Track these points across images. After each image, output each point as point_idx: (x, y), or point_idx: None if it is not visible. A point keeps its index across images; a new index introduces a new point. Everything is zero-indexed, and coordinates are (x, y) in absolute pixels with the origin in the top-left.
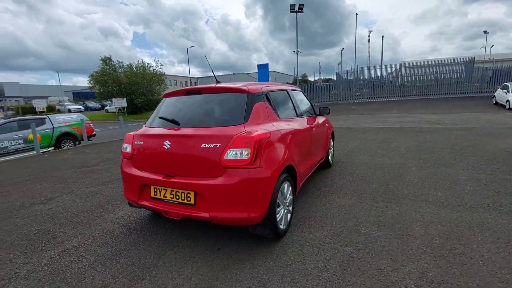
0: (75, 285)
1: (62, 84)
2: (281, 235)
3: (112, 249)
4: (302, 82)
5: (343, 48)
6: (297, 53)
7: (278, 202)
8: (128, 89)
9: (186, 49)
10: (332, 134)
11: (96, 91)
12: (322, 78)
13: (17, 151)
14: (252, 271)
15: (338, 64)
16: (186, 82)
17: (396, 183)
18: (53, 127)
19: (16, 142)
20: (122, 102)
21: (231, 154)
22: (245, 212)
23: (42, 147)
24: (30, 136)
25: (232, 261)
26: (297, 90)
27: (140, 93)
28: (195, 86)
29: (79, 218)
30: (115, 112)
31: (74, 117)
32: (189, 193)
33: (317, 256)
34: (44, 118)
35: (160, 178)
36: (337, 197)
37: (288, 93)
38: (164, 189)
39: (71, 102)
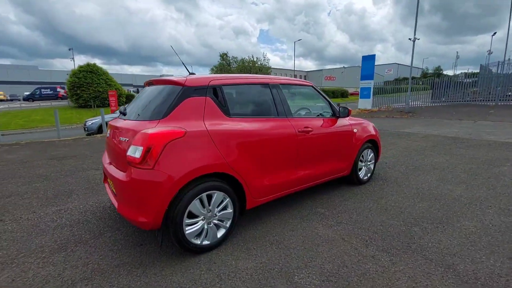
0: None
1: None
2: (194, 251)
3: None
4: (431, 76)
5: (494, 33)
6: (413, 41)
7: (192, 213)
8: None
9: (304, 42)
10: (373, 142)
11: None
12: (466, 71)
13: None
14: (140, 278)
15: (488, 53)
16: (290, 75)
17: (434, 229)
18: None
19: None
20: None
21: (130, 151)
22: (136, 214)
23: None
24: None
25: (138, 259)
26: (297, 85)
27: None
28: (155, 78)
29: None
30: None
31: None
32: (112, 183)
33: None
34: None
35: (106, 165)
36: (320, 226)
37: (266, 87)
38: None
39: None
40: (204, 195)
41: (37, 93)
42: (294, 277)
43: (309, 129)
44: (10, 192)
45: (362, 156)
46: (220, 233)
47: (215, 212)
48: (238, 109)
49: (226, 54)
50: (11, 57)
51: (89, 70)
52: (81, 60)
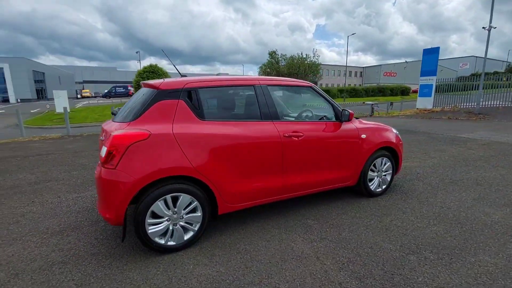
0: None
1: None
2: (159, 250)
3: None
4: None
5: None
6: (489, 30)
7: (156, 213)
8: None
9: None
10: (391, 150)
11: None
12: None
13: None
14: (104, 269)
15: None
16: (341, 71)
17: (436, 261)
18: None
19: None
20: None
21: (101, 151)
22: (103, 209)
23: None
24: None
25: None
26: (291, 86)
27: None
28: (144, 81)
29: None
30: None
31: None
32: None
33: None
34: None
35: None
36: (300, 240)
37: (251, 89)
38: None
39: None
40: (168, 196)
41: (112, 91)
42: None
43: (299, 134)
44: (51, 178)
45: (374, 165)
46: (188, 235)
47: (182, 214)
48: (215, 112)
49: (274, 52)
50: (98, 60)
51: (151, 71)
52: (151, 61)
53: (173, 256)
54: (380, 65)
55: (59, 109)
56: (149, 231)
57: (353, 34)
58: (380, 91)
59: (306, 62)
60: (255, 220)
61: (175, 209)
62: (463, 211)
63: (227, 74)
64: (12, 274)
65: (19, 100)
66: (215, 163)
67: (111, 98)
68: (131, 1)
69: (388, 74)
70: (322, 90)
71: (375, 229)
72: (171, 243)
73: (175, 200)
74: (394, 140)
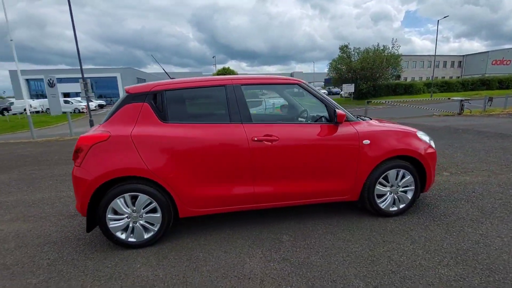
0: None
1: (324, 71)
2: (121, 245)
3: None
4: None
5: None
6: None
7: (116, 210)
8: (361, 74)
9: (469, 18)
10: (413, 161)
11: (335, 76)
12: None
13: None
14: (72, 254)
15: None
16: (430, 62)
17: None
18: (265, 108)
19: None
20: (350, 88)
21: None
22: (76, 202)
23: None
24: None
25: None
26: (273, 84)
27: (368, 78)
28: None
29: None
30: (349, 97)
31: (282, 101)
32: None
33: None
34: (261, 100)
35: None
36: (258, 256)
37: (221, 90)
38: None
39: (319, 87)
40: (127, 195)
41: None
42: None
43: (273, 137)
44: None
45: (386, 179)
46: (148, 234)
47: (141, 213)
48: (180, 114)
49: (346, 46)
50: (189, 66)
51: (224, 73)
52: (232, 64)
53: (131, 253)
54: (487, 51)
55: None
56: (110, 226)
57: (445, 17)
58: (484, 84)
59: (383, 54)
60: (230, 226)
61: (134, 208)
62: (505, 254)
63: (301, 73)
64: (18, 246)
65: None
66: (173, 166)
67: None
68: (216, 10)
69: (498, 63)
70: (404, 84)
71: (357, 259)
72: (131, 239)
73: (135, 199)
74: (418, 148)
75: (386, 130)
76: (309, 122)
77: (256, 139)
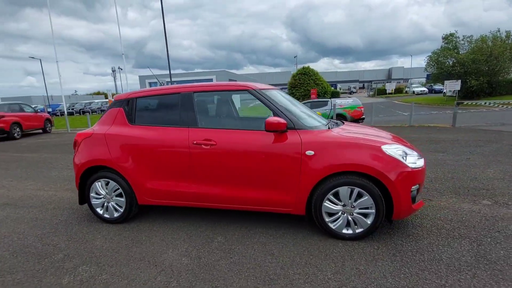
0: None
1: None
2: (102, 220)
3: None
4: None
5: None
6: None
7: (95, 190)
8: (472, 68)
9: None
10: (373, 179)
11: (435, 71)
12: None
13: None
14: (54, 232)
15: None
16: None
17: None
18: (331, 109)
19: None
20: (455, 85)
21: None
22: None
23: None
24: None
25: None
26: (223, 90)
27: (482, 73)
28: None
29: None
30: (453, 96)
31: (350, 101)
32: None
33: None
34: (328, 101)
35: None
36: (177, 250)
37: (177, 97)
38: None
39: (418, 84)
40: (102, 180)
41: None
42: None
43: (212, 142)
44: None
45: (337, 196)
46: (117, 214)
47: (112, 196)
48: (144, 117)
49: (452, 35)
50: (281, 66)
51: (303, 73)
52: (324, 62)
53: (103, 226)
54: None
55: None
56: (92, 202)
57: None
58: None
59: (506, 42)
60: (184, 220)
61: (107, 191)
62: None
63: (402, 68)
64: (36, 208)
65: None
66: (132, 161)
67: None
68: (311, 8)
69: None
70: None
71: (257, 273)
72: (106, 215)
73: (107, 184)
74: (376, 165)
75: (339, 141)
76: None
77: (195, 142)
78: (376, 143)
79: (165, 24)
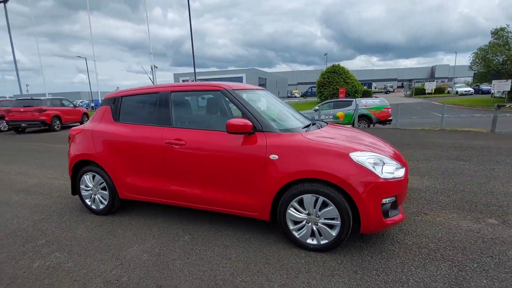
0: None
1: None
2: (90, 211)
3: None
4: None
5: None
6: None
7: (85, 183)
8: None
9: None
10: (338, 189)
11: (482, 70)
12: None
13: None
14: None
15: None
16: None
17: None
18: (355, 109)
19: (327, 116)
20: (504, 85)
21: None
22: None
23: (343, 124)
24: (337, 114)
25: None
26: (195, 91)
27: None
28: None
29: None
30: (503, 97)
31: (376, 102)
32: None
33: None
34: (352, 101)
35: None
36: (139, 244)
37: (156, 96)
38: None
39: (463, 84)
40: (89, 173)
41: (309, 91)
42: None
43: (182, 142)
44: None
45: (302, 204)
46: (102, 206)
47: (98, 189)
48: (127, 116)
49: (503, 29)
50: (314, 63)
51: (333, 71)
52: (361, 59)
53: (88, 217)
54: None
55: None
56: (82, 193)
57: None
58: None
59: None
60: (165, 216)
61: (93, 183)
62: None
63: (447, 66)
64: (44, 195)
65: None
66: (113, 156)
67: (306, 98)
68: (349, 3)
69: None
70: None
71: (198, 276)
72: (93, 207)
73: (94, 177)
74: (340, 173)
75: (304, 145)
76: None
77: (167, 141)
78: (344, 150)
79: (201, 24)
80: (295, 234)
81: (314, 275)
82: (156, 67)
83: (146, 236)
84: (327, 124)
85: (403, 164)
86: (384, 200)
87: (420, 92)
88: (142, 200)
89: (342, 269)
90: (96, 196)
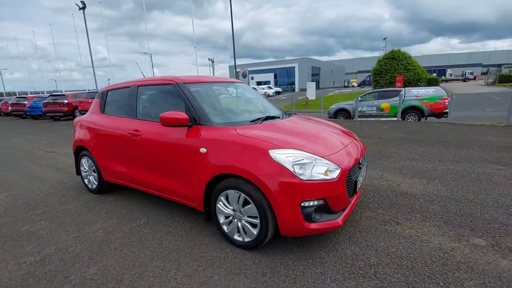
0: None
1: None
2: (87, 188)
3: None
4: None
5: None
6: None
7: (83, 166)
8: None
9: None
10: (255, 187)
11: None
12: None
13: (370, 115)
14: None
15: None
16: None
17: None
18: (403, 100)
19: (370, 108)
20: None
21: None
22: None
23: (389, 116)
24: (382, 105)
25: None
26: (155, 85)
27: None
28: None
29: None
30: None
31: (430, 91)
32: None
33: None
34: (400, 91)
35: None
36: (96, 222)
37: (134, 89)
38: None
39: None
40: (85, 158)
41: (367, 80)
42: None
43: (138, 133)
44: None
45: (228, 200)
46: (94, 186)
47: (90, 172)
48: (109, 108)
49: None
50: (380, 49)
51: (391, 57)
52: (437, 43)
53: (84, 194)
54: None
55: (310, 97)
56: (82, 173)
57: None
58: None
59: None
60: (142, 198)
61: (87, 168)
62: None
63: None
64: (68, 173)
65: (299, 90)
66: (97, 143)
67: (363, 87)
68: None
69: None
70: None
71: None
72: (89, 186)
73: (87, 161)
74: (255, 170)
75: (229, 140)
76: None
77: (128, 132)
78: (264, 146)
79: (260, 15)
80: (225, 228)
81: (221, 271)
82: (213, 61)
83: (113, 215)
84: (295, 115)
85: (339, 166)
86: (305, 203)
87: (506, 79)
88: (119, 183)
89: (254, 269)
90: (90, 177)
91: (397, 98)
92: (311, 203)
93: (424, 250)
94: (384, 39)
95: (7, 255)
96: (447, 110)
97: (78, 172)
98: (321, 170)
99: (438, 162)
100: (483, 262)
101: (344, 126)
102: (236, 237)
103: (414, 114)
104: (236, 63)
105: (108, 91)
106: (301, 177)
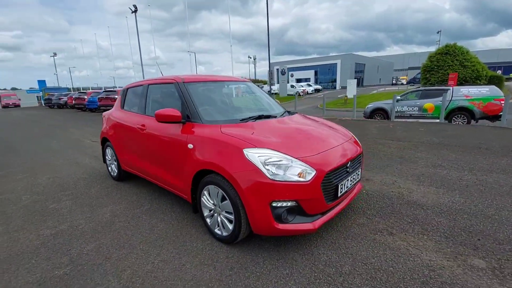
0: None
1: None
2: (110, 175)
3: None
4: None
5: None
6: None
7: (108, 155)
8: None
9: None
10: (226, 183)
11: None
12: None
13: (411, 116)
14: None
15: None
16: None
17: None
18: (450, 99)
19: (411, 108)
20: None
21: None
22: None
23: (433, 118)
24: (425, 105)
25: None
26: (159, 84)
27: None
28: None
29: None
30: None
31: (484, 91)
32: None
33: None
34: (447, 90)
35: None
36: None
37: (145, 88)
38: None
39: None
40: (108, 148)
41: (417, 77)
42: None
43: (144, 127)
44: None
45: (210, 194)
46: (115, 174)
47: (112, 160)
48: (128, 104)
49: None
50: (434, 44)
51: (445, 52)
52: (507, 35)
53: (106, 181)
54: None
55: (349, 95)
56: (107, 163)
57: None
58: None
59: None
60: (154, 186)
61: (109, 157)
62: None
63: None
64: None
65: (340, 87)
66: (113, 134)
67: (413, 85)
68: None
69: None
70: None
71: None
72: (112, 174)
73: (110, 151)
74: (228, 167)
75: (211, 137)
76: None
77: (137, 126)
78: (240, 145)
79: (304, 10)
80: (208, 221)
81: (194, 260)
82: (255, 58)
83: (124, 201)
84: (296, 113)
85: (315, 168)
86: (276, 203)
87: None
88: (133, 173)
89: (224, 262)
90: (112, 166)
91: (439, 98)
92: (283, 204)
93: (408, 265)
94: (438, 32)
95: (32, 226)
96: (502, 113)
97: (104, 160)
98: (295, 171)
99: (467, 171)
100: (473, 286)
101: (376, 126)
102: (216, 230)
103: (462, 116)
104: (278, 60)
105: (128, 88)
106: (273, 177)
